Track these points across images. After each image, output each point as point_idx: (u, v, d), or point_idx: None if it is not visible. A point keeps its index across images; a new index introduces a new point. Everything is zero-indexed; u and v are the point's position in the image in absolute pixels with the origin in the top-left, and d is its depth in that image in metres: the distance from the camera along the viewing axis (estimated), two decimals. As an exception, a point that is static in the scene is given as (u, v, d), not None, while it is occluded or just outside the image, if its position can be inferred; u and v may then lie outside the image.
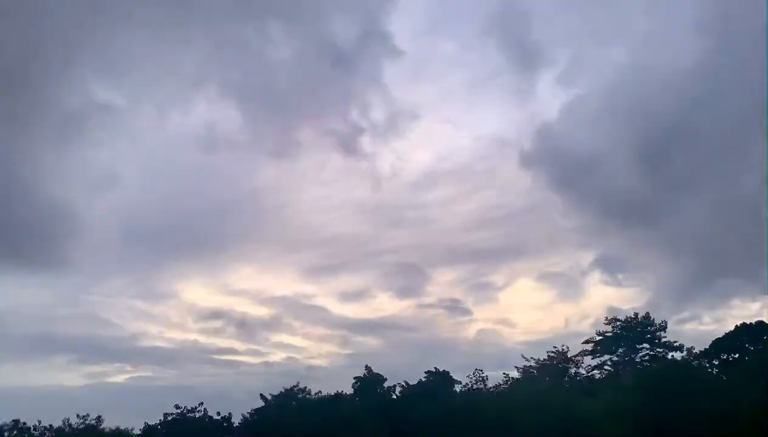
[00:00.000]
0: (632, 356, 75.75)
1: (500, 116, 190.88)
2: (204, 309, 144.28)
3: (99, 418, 77.94)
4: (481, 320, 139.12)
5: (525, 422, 56.99)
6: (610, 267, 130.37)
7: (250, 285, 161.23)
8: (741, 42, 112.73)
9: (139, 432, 77.59)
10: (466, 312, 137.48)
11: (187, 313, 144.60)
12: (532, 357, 76.77)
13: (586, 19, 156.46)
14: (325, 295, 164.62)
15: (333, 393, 78.80)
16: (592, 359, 77.04)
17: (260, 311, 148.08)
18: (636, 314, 77.00)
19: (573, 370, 77.05)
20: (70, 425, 76.88)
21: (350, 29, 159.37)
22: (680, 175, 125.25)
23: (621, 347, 76.38)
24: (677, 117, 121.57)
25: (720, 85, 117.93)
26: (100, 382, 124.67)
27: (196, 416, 77.02)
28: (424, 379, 76.37)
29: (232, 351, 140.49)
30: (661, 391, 54.14)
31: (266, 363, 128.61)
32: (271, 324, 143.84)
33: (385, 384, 78.25)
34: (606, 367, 76.96)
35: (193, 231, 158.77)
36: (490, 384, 77.04)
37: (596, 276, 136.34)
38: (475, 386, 76.61)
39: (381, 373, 79.12)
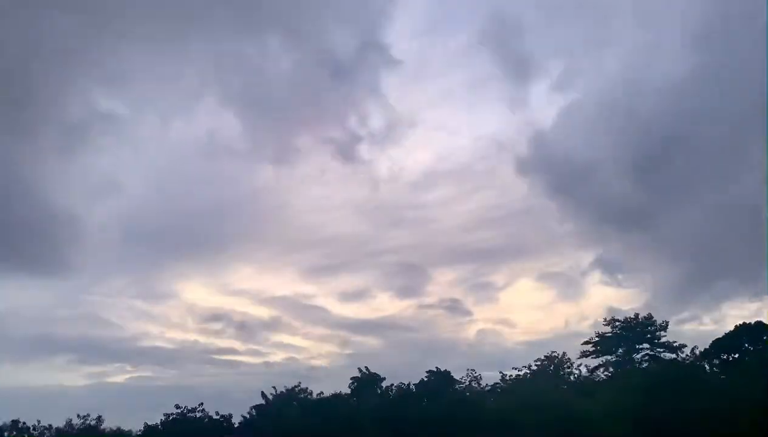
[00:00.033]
0: (632, 356, 75.82)
1: (495, 124, 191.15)
2: (204, 310, 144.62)
3: (99, 418, 78.12)
4: (481, 320, 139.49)
5: (525, 422, 57.04)
6: (610, 267, 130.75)
7: (250, 285, 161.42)
8: (732, 54, 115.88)
9: (139, 432, 77.61)
10: (466, 312, 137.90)
11: (187, 313, 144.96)
12: (524, 366, 77.11)
13: (579, 30, 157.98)
14: (325, 295, 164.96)
15: (333, 393, 78.96)
16: (593, 359, 77.23)
17: (260, 311, 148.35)
18: (636, 314, 77.16)
19: (566, 371, 77.05)
20: (70, 425, 76.93)
21: (348, 40, 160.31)
22: (674, 181, 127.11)
23: (621, 347, 76.44)
24: (671, 125, 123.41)
25: (712, 95, 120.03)
26: (100, 382, 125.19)
27: (197, 416, 77.02)
28: (424, 379, 76.44)
29: (232, 351, 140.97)
30: (661, 391, 54.15)
31: (266, 364, 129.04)
32: (271, 325, 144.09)
33: (383, 384, 78.55)
34: (606, 368, 77.04)
35: (193, 231, 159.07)
36: (486, 383, 77.59)
37: (596, 276, 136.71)
38: (469, 385, 76.90)
39: (379, 373, 79.50)
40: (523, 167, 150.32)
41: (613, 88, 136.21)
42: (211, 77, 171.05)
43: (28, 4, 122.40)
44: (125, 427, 78.95)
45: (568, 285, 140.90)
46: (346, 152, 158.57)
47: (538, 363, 76.80)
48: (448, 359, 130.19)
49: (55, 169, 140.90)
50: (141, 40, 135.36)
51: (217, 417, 77.70)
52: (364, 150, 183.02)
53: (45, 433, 78.12)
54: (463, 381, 77.76)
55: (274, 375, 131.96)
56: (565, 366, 77.32)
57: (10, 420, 76.93)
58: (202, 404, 78.02)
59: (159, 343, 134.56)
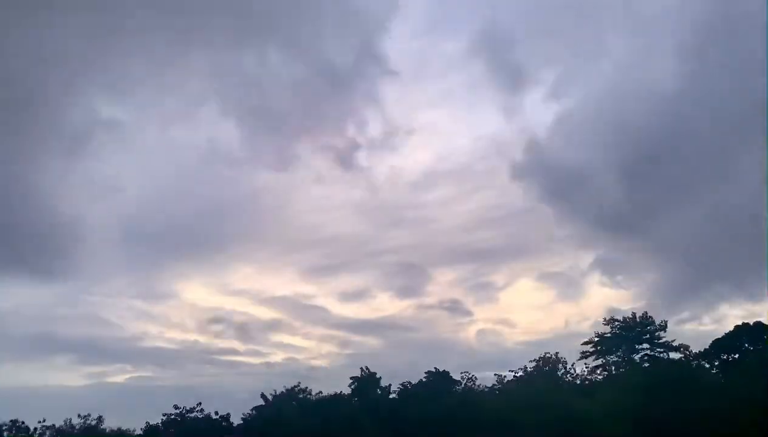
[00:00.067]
0: (632, 356, 75.81)
1: (491, 132, 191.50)
2: (204, 310, 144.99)
3: (100, 418, 78.04)
4: (481, 320, 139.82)
5: (525, 422, 57.05)
6: (609, 268, 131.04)
7: (250, 285, 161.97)
8: (720, 64, 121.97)
9: (140, 432, 77.61)
10: (466, 312, 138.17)
11: (187, 313, 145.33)
12: (519, 368, 77.09)
13: (570, 41, 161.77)
14: (325, 295, 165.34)
15: (333, 394, 78.92)
16: (594, 360, 77.17)
17: (260, 311, 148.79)
18: (635, 314, 77.12)
19: (561, 373, 77.00)
20: (71, 425, 76.91)
21: (347, 52, 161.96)
22: (671, 183, 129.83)
23: (621, 347, 76.43)
24: (663, 131, 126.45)
25: (701, 102, 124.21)
26: (101, 382, 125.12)
27: (197, 416, 76.99)
28: (424, 379, 76.43)
29: (233, 351, 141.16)
30: (661, 391, 54.19)
31: (266, 364, 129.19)
32: (271, 325, 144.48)
33: (382, 384, 78.50)
34: (606, 368, 77.03)
35: (193, 231, 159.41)
36: (485, 385, 77.52)
37: (596, 276, 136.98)
38: (470, 385, 76.90)
39: (378, 373, 79.46)
40: (519, 173, 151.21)
41: (605, 98, 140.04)
42: (211, 87, 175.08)
43: (35, 15, 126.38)
44: (125, 427, 78.95)
45: (568, 286, 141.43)
46: (345, 159, 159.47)
47: (533, 364, 76.78)
48: (448, 359, 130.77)
49: (58, 173, 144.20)
50: (143, 51, 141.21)
51: (217, 417, 77.66)
52: (362, 157, 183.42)
53: (45, 433, 78.09)
54: (462, 381, 77.79)
55: (274, 375, 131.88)
56: (561, 365, 77.22)
57: (10, 419, 76.92)
58: (200, 404, 78.04)
59: (159, 343, 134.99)
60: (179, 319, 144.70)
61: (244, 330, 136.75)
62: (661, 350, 74.69)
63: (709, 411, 49.67)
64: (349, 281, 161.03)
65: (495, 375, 78.60)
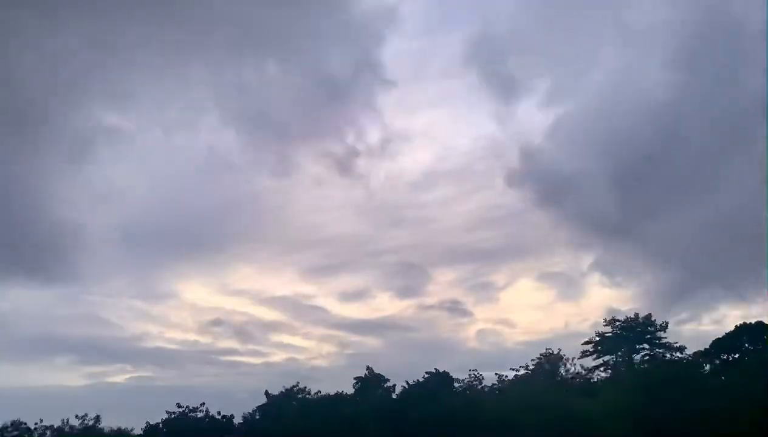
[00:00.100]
0: (632, 356, 75.84)
1: (484, 140, 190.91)
2: (204, 310, 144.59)
3: (98, 418, 77.95)
4: (481, 320, 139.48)
5: (525, 422, 57.09)
6: (609, 269, 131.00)
7: (250, 285, 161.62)
8: (709, 74, 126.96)
9: (140, 432, 77.61)
10: (466, 312, 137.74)
11: (187, 313, 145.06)
12: (520, 366, 77.03)
13: (560, 53, 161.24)
14: (325, 295, 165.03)
15: (333, 393, 78.91)
16: (593, 360, 77.23)
17: (260, 311, 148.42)
18: (636, 314, 77.12)
19: (563, 370, 77.13)
20: (70, 425, 76.94)
21: (345, 63, 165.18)
22: (668, 185, 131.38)
23: (621, 347, 76.46)
24: (653, 140, 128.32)
25: (689, 112, 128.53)
26: (101, 382, 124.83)
27: (197, 416, 77.03)
28: (424, 379, 76.41)
29: (233, 351, 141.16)
30: (661, 391, 54.25)
31: (267, 364, 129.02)
32: (272, 325, 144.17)
33: (386, 385, 78.41)
34: (606, 368, 77.08)
35: (193, 231, 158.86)
36: (485, 385, 77.48)
37: (596, 276, 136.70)
38: (470, 386, 76.88)
39: (382, 374, 79.39)
40: (514, 179, 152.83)
41: (596, 108, 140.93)
42: (211, 96, 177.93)
43: (39, 26, 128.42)
44: (125, 427, 78.89)
45: (568, 286, 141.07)
46: (344, 165, 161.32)
47: (535, 361, 76.81)
48: (448, 359, 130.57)
49: (60, 177, 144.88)
50: (145, 61, 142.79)
51: (218, 417, 77.67)
52: (361, 164, 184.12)
53: (45, 433, 78.11)
54: (463, 381, 77.69)
55: (274, 375, 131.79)
56: (563, 363, 77.28)
57: (11, 420, 76.99)
58: (203, 404, 78.03)
59: (159, 343, 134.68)
60: (179, 319, 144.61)
61: (244, 330, 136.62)
62: (662, 350, 74.80)
63: (709, 411, 49.71)
64: (349, 281, 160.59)
65: (496, 374, 78.78)
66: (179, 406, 77.04)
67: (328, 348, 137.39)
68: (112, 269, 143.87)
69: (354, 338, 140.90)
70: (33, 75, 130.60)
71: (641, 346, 75.93)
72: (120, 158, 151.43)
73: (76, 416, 77.38)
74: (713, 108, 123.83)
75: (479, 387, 77.19)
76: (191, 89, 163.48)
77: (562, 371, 76.38)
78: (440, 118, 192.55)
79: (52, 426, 77.80)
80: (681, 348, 73.46)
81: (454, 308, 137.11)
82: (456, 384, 76.74)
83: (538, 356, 76.77)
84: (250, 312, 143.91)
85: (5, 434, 75.46)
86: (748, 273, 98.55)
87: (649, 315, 76.51)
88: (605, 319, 78.40)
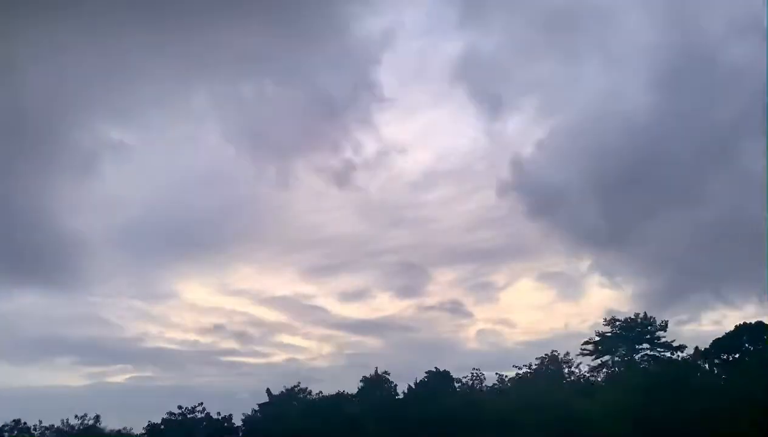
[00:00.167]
0: (632, 356, 75.87)
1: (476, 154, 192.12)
2: (204, 310, 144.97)
3: (98, 418, 78.01)
4: (481, 320, 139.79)
5: (525, 422, 57.14)
6: (609, 269, 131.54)
7: (250, 285, 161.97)
8: (690, 94, 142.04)
9: (142, 432, 77.68)
10: (466, 312, 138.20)
11: (187, 314, 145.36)
12: (524, 365, 77.25)
13: (545, 74, 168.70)
14: (325, 295, 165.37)
15: (333, 393, 78.90)
16: (593, 360, 77.26)
17: (260, 311, 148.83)
18: (636, 314, 77.17)
19: (566, 371, 77.19)
20: (70, 425, 76.98)
21: (342, 82, 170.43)
22: (666, 188, 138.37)
23: (621, 347, 76.51)
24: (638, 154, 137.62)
25: (671, 128, 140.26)
26: (101, 383, 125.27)
27: (197, 416, 77.02)
28: (424, 379, 76.42)
29: (233, 351, 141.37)
30: (661, 391, 54.29)
31: (267, 364, 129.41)
32: (272, 325, 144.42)
33: (386, 385, 78.36)
34: (606, 368, 77.12)
35: (193, 231, 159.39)
36: (486, 385, 77.65)
37: (596, 277, 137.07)
38: (471, 385, 76.97)
39: (387, 374, 79.37)
40: (503, 192, 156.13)
41: (581, 127, 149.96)
42: (212, 113, 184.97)
43: (48, 44, 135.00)
44: (125, 427, 79.02)
45: (568, 286, 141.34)
46: (341, 178, 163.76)
47: (539, 360, 76.88)
48: (448, 359, 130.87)
49: (66, 190, 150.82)
50: (149, 80, 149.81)
51: (218, 417, 77.68)
52: (358, 176, 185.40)
53: (46, 433, 78.19)
54: (463, 381, 77.79)
55: (274, 375, 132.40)
56: (566, 364, 77.34)
57: (12, 420, 77.06)
58: (201, 404, 78.01)
59: (159, 344, 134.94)
60: (179, 319, 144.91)
61: (244, 330, 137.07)
62: (662, 350, 74.83)
63: (709, 411, 49.75)
64: (349, 281, 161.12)
65: (497, 373, 78.82)
66: (180, 407, 77.08)
67: (328, 348, 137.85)
68: (113, 270, 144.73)
69: (354, 338, 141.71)
70: (40, 92, 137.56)
71: (641, 346, 75.99)
72: (124, 171, 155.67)
73: (76, 416, 77.61)
74: (692, 127, 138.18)
75: (480, 386, 77.40)
76: (193, 106, 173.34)
77: (565, 372, 76.64)
78: (433, 128, 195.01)
79: (52, 426, 77.92)
80: (681, 348, 73.63)
81: (454, 308, 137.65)
82: (456, 384, 76.99)
83: (543, 356, 77.06)
84: (250, 313, 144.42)
85: (5, 434, 75.61)
86: (752, 273, 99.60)
87: (650, 315, 76.68)
88: (605, 319, 78.66)
